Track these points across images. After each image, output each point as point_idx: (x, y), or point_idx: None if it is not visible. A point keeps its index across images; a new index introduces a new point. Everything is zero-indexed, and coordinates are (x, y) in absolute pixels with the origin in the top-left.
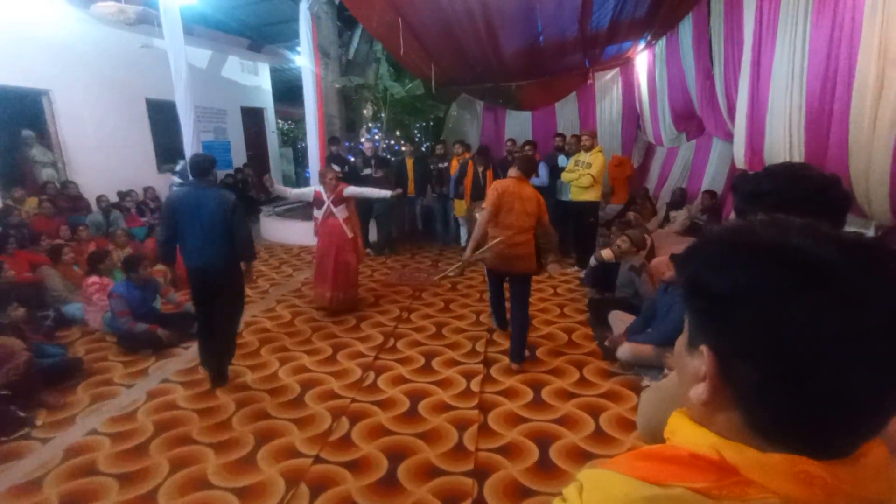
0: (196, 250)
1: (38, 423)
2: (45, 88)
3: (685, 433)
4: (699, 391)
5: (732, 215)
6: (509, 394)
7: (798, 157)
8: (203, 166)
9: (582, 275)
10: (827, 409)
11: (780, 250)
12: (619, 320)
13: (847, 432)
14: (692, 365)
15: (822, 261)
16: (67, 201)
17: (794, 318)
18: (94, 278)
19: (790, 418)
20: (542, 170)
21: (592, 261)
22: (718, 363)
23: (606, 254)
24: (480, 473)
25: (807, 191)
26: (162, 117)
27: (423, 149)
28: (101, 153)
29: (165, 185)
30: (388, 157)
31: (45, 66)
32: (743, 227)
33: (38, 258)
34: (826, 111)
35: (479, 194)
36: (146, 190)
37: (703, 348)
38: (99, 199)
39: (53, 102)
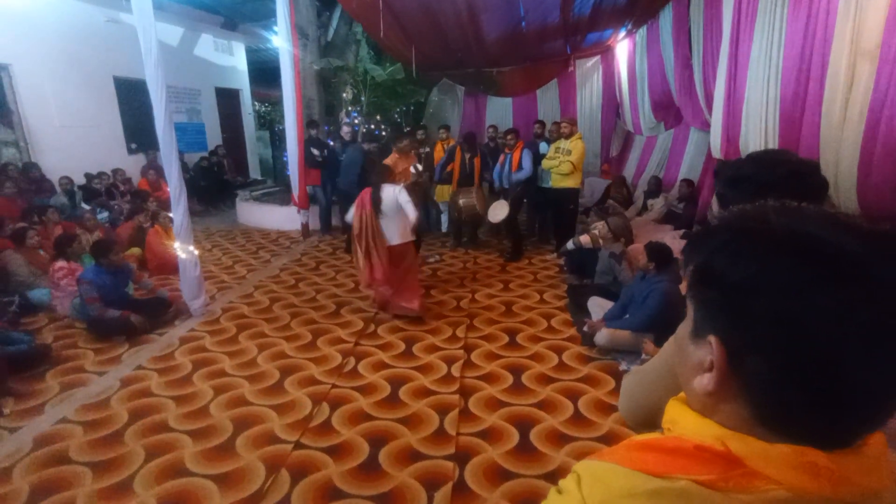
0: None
1: (6, 411)
2: (4, 62)
3: (687, 424)
4: (704, 381)
5: (714, 203)
6: (489, 378)
7: (773, 146)
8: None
9: (561, 261)
10: (841, 404)
11: (799, 240)
12: (598, 306)
13: (857, 425)
14: (696, 354)
15: (845, 253)
16: (30, 183)
17: (817, 313)
18: (61, 263)
19: (801, 412)
20: (527, 160)
21: (570, 244)
22: (727, 354)
23: (584, 239)
24: (461, 457)
25: (785, 175)
26: (131, 97)
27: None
28: (67, 133)
29: (136, 166)
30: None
31: (3, 38)
32: (754, 212)
33: (1, 242)
34: (799, 103)
35: (465, 181)
36: (115, 172)
37: (712, 339)
38: (61, 180)
39: (13, 77)
